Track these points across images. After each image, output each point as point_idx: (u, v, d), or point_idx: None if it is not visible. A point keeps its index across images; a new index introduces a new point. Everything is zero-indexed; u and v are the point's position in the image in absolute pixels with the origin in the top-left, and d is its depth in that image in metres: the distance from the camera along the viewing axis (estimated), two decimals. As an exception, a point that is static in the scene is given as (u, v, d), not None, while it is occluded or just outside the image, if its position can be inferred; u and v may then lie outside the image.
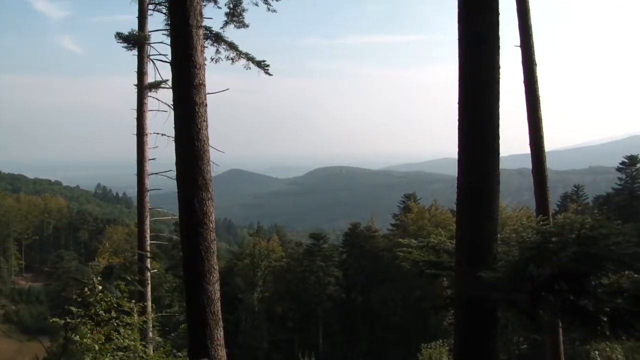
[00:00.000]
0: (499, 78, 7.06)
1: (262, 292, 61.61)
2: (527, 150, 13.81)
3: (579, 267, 6.36)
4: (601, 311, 6.19)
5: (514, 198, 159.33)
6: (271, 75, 17.16)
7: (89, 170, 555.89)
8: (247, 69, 16.95)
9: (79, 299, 8.57)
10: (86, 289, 8.24)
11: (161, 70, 18.07)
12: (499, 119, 7.08)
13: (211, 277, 7.73)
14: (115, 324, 9.08)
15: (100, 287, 7.98)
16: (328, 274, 59.42)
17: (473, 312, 7.10)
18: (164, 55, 18.00)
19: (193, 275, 7.74)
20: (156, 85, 18.18)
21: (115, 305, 8.86)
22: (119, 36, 17.72)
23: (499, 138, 7.09)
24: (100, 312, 8.52)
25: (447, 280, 10.09)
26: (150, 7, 18.31)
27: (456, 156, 7.24)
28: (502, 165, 7.60)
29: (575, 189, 66.64)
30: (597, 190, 74.34)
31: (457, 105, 7.24)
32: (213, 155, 8.23)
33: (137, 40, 17.84)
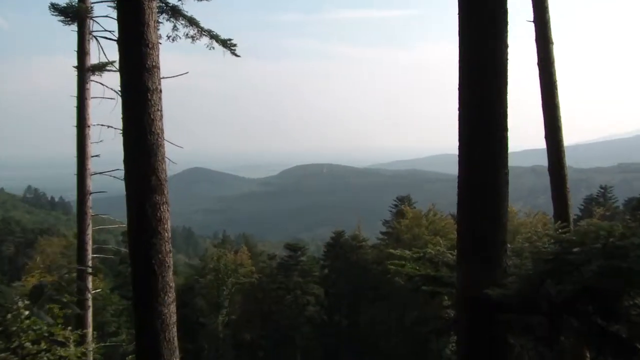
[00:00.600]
0: (507, 59, 7.04)
1: (228, 315, 61.40)
2: (542, 144, 13.87)
3: (606, 284, 6.23)
4: (637, 338, 6.17)
5: (526, 201, 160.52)
6: (238, 56, 17.12)
7: (17, 171, 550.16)
8: (210, 49, 16.90)
9: (0, 329, 8.45)
10: (9, 316, 8.10)
11: (107, 49, 18.04)
12: (507, 106, 7.06)
13: (166, 298, 7.73)
14: (45, 359, 8.93)
15: (26, 313, 7.86)
16: (307, 292, 59.37)
17: (479, 337, 7.10)
18: (110, 31, 17.85)
19: (144, 295, 7.74)
20: (100, 67, 18.10)
21: (47, 335, 8.69)
22: (55, 8, 17.56)
23: (507, 129, 7.06)
24: (27, 344, 8.33)
25: (448, 298, 10.17)
26: (93, -27, 18.21)
27: (457, 151, 7.24)
28: (513, 162, 7.64)
29: (602, 189, 67.11)
30: (629, 192, 75.05)
31: (457, 91, 7.23)
32: (169, 150, 8.25)
33: (76, 14, 17.70)
